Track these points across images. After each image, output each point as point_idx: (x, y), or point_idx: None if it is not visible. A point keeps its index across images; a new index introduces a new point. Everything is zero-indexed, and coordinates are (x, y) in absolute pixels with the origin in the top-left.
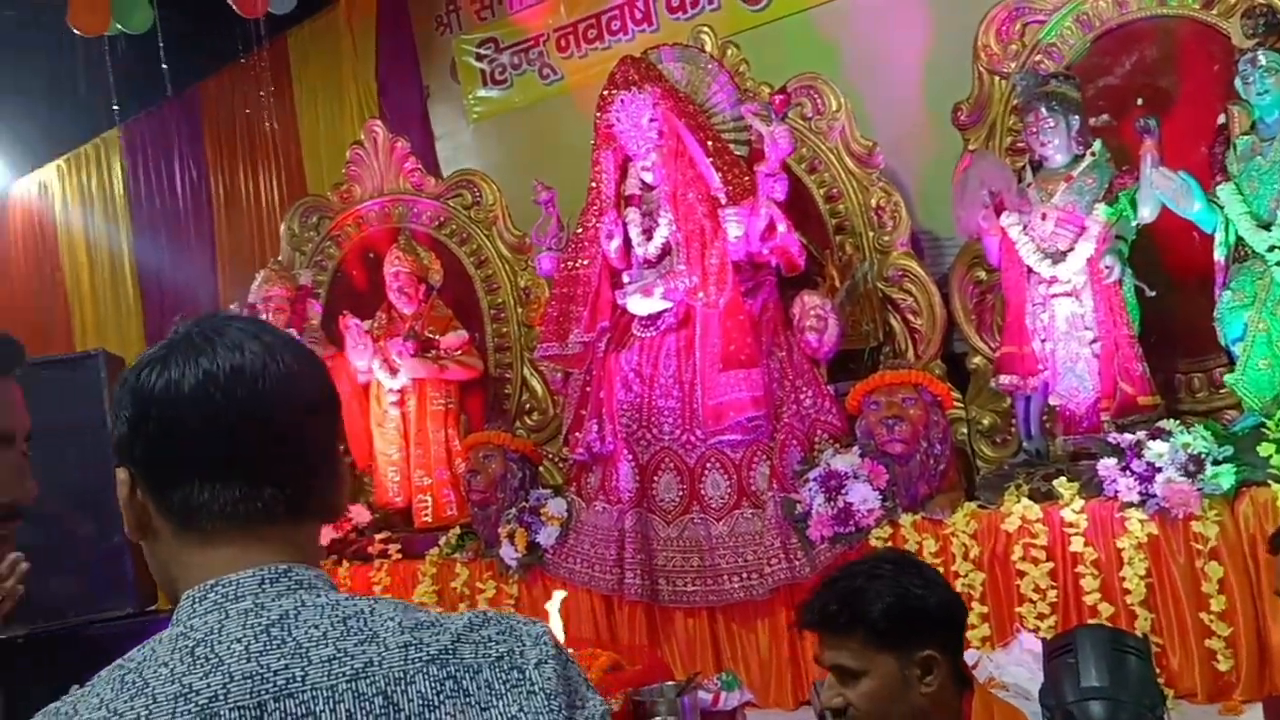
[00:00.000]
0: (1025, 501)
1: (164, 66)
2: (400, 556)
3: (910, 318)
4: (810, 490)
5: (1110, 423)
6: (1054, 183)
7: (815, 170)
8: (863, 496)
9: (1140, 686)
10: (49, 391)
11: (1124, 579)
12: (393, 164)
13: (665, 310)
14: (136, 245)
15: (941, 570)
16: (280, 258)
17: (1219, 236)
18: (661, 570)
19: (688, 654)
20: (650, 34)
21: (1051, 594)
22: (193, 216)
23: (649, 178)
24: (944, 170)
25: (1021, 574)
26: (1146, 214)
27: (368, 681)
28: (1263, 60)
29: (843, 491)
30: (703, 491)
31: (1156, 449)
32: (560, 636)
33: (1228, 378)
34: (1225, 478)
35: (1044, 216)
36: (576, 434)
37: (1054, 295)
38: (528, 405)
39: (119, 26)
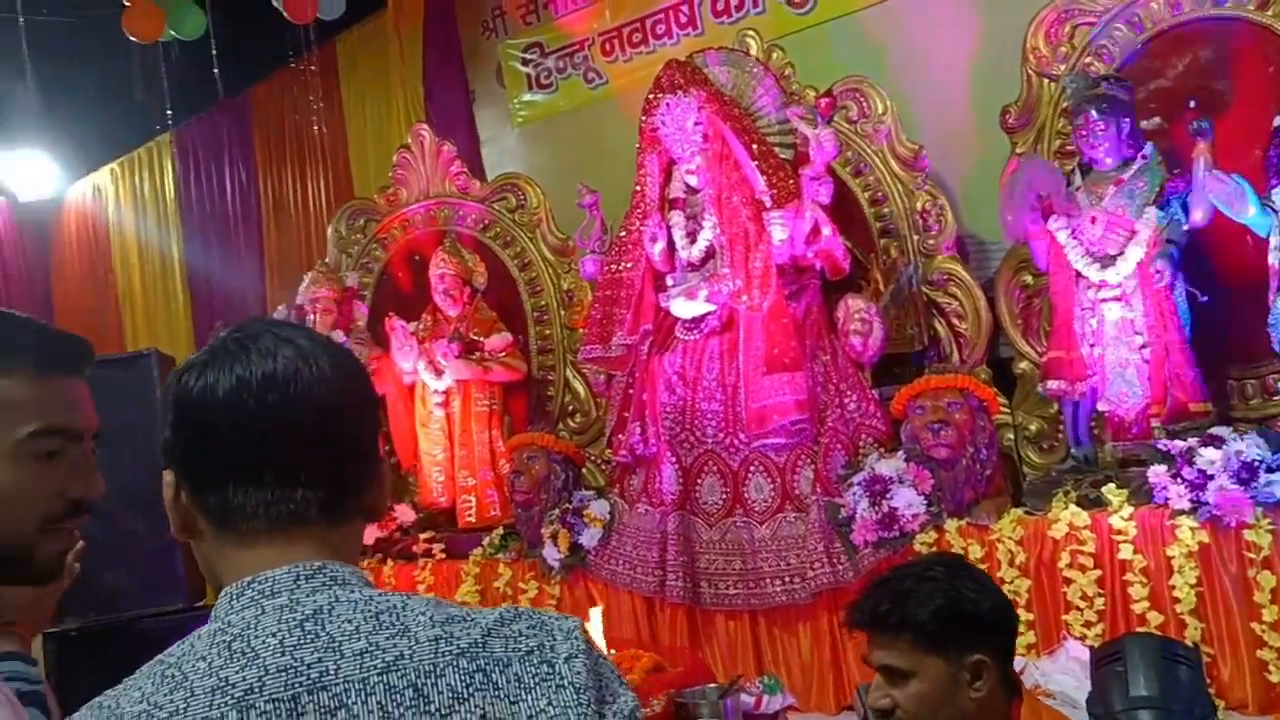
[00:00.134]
0: (1073, 508)
1: (215, 72)
2: (444, 556)
3: (955, 322)
4: (854, 494)
5: (1161, 429)
6: (1104, 186)
7: (860, 173)
8: (907, 501)
9: (1191, 696)
10: (103, 390)
11: (1174, 587)
12: (439, 167)
13: (709, 313)
14: (186, 247)
15: None
16: (327, 260)
17: (1273, 241)
18: (703, 573)
19: (729, 657)
20: (695, 38)
21: (1099, 602)
22: (242, 219)
23: (693, 181)
24: (990, 173)
25: (1068, 581)
26: (1199, 218)
27: (398, 674)
28: None
29: (887, 496)
30: (746, 495)
31: (1208, 456)
32: (600, 644)
33: None
34: (1279, 486)
35: (1093, 220)
36: (619, 436)
37: (1103, 300)
38: (570, 407)
39: (172, 33)
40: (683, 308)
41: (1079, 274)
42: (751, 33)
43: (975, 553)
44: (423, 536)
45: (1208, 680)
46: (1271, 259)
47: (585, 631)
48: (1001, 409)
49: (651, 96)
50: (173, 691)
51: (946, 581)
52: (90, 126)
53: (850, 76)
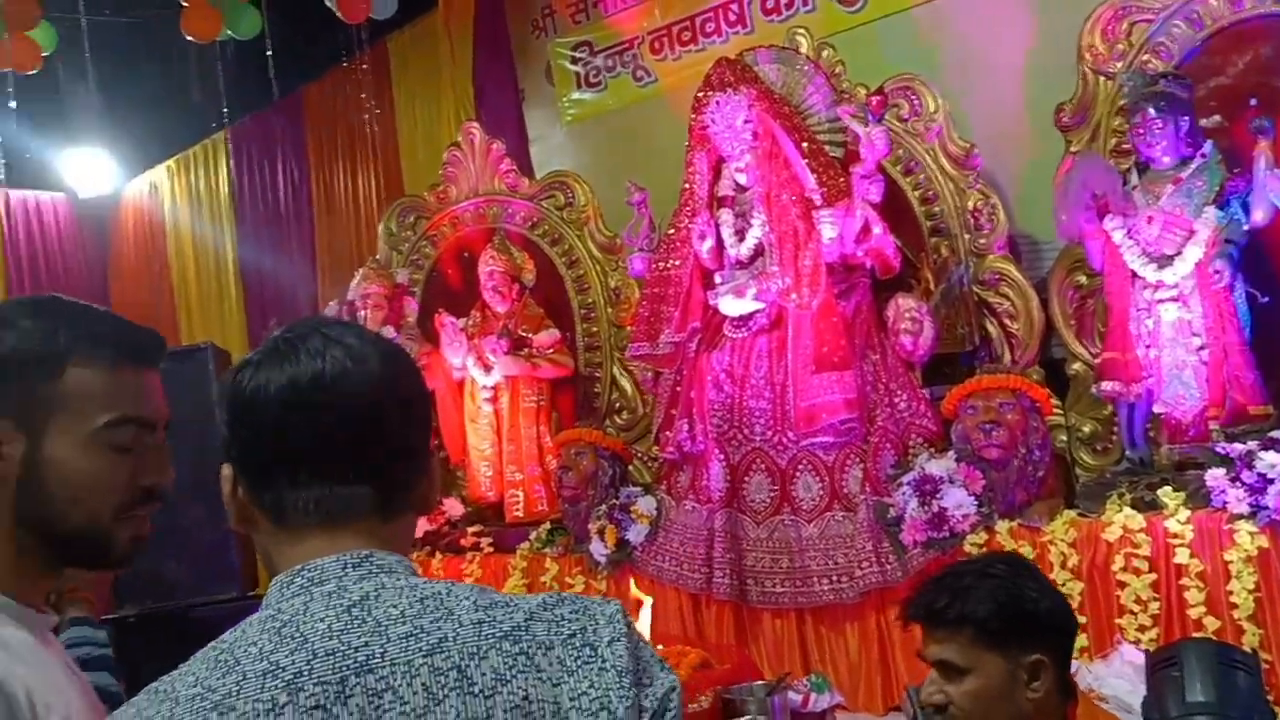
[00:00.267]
0: (1128, 511)
1: (271, 72)
2: (492, 550)
3: (1007, 322)
4: (903, 494)
5: (1219, 432)
6: (1161, 185)
7: (911, 172)
8: (957, 501)
9: (1249, 703)
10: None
11: (1231, 593)
12: (488, 165)
13: (757, 311)
14: (240, 243)
15: None
16: (378, 256)
17: None
18: (750, 570)
19: (775, 655)
20: (744, 36)
21: (1153, 606)
22: (294, 216)
23: (742, 179)
24: (1043, 172)
25: (1122, 585)
26: (1259, 217)
27: (443, 656)
28: None
29: (937, 496)
30: (794, 493)
31: (1269, 459)
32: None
33: None
34: None
35: (1150, 220)
36: (667, 433)
37: (1160, 300)
38: (617, 404)
39: (229, 33)
40: (731, 305)
41: (1135, 274)
42: (802, 31)
43: (1027, 554)
44: (471, 530)
45: (1266, 687)
46: None
47: (627, 616)
48: (1054, 410)
49: (701, 94)
50: (225, 675)
51: (1008, 579)
52: (148, 125)
53: (902, 74)
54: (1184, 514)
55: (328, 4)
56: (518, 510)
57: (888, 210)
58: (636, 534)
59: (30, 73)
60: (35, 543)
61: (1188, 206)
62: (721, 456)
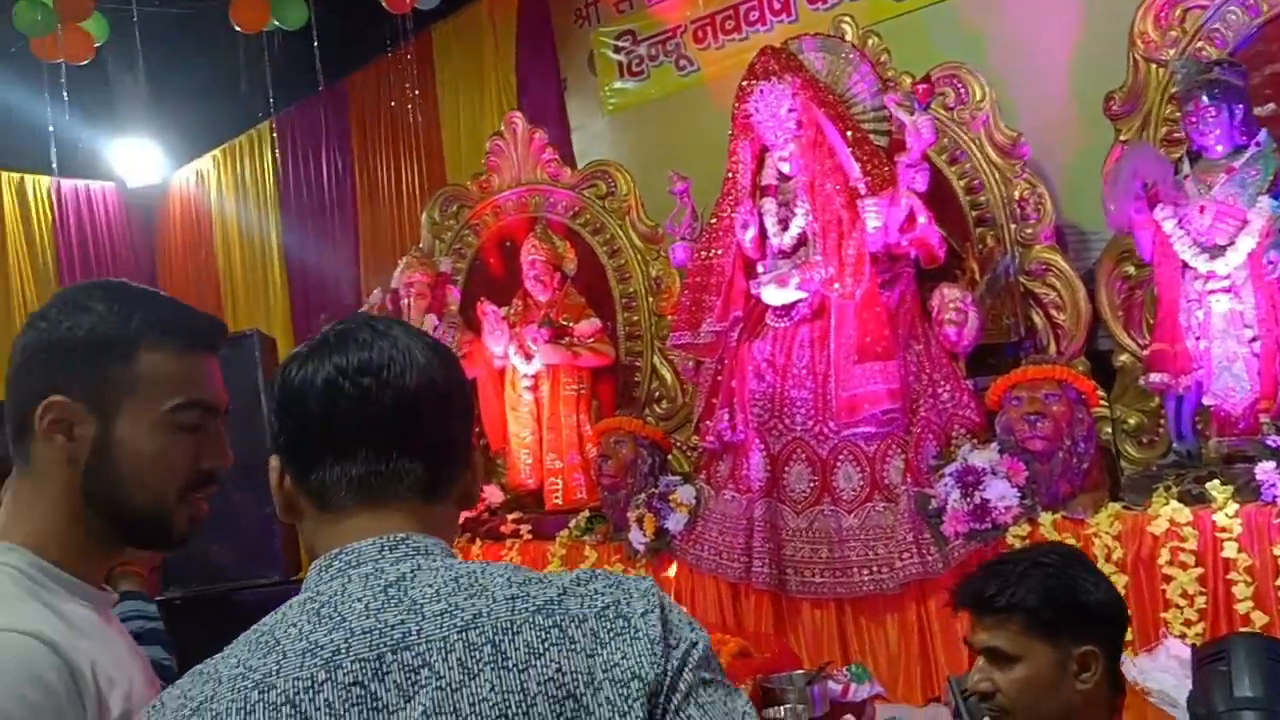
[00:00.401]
0: (1174, 504)
1: (317, 62)
2: (531, 537)
3: (1053, 313)
4: (945, 485)
5: (1269, 425)
6: (1214, 174)
7: (956, 161)
8: (1000, 493)
9: None
10: None
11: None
12: (530, 155)
13: (799, 301)
14: (285, 232)
15: None
16: (421, 245)
17: None
18: (790, 560)
19: (814, 645)
20: (789, 25)
21: (1200, 600)
22: (338, 204)
23: (786, 168)
24: (1091, 162)
25: (1168, 579)
26: None
27: (477, 631)
28: None
29: (979, 487)
30: (834, 483)
31: None
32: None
33: None
34: None
35: (1202, 210)
36: (707, 422)
37: (1210, 291)
38: (657, 393)
39: (276, 23)
40: (774, 295)
41: (1186, 265)
42: (847, 19)
43: None
44: (510, 517)
45: None
46: None
47: (660, 590)
48: (1100, 402)
49: (745, 83)
50: (265, 655)
51: (1061, 569)
52: (195, 115)
53: (948, 63)
54: (1232, 507)
55: None
56: (557, 498)
57: (932, 200)
58: (675, 523)
59: (81, 64)
60: (101, 523)
61: (1241, 196)
62: (762, 446)
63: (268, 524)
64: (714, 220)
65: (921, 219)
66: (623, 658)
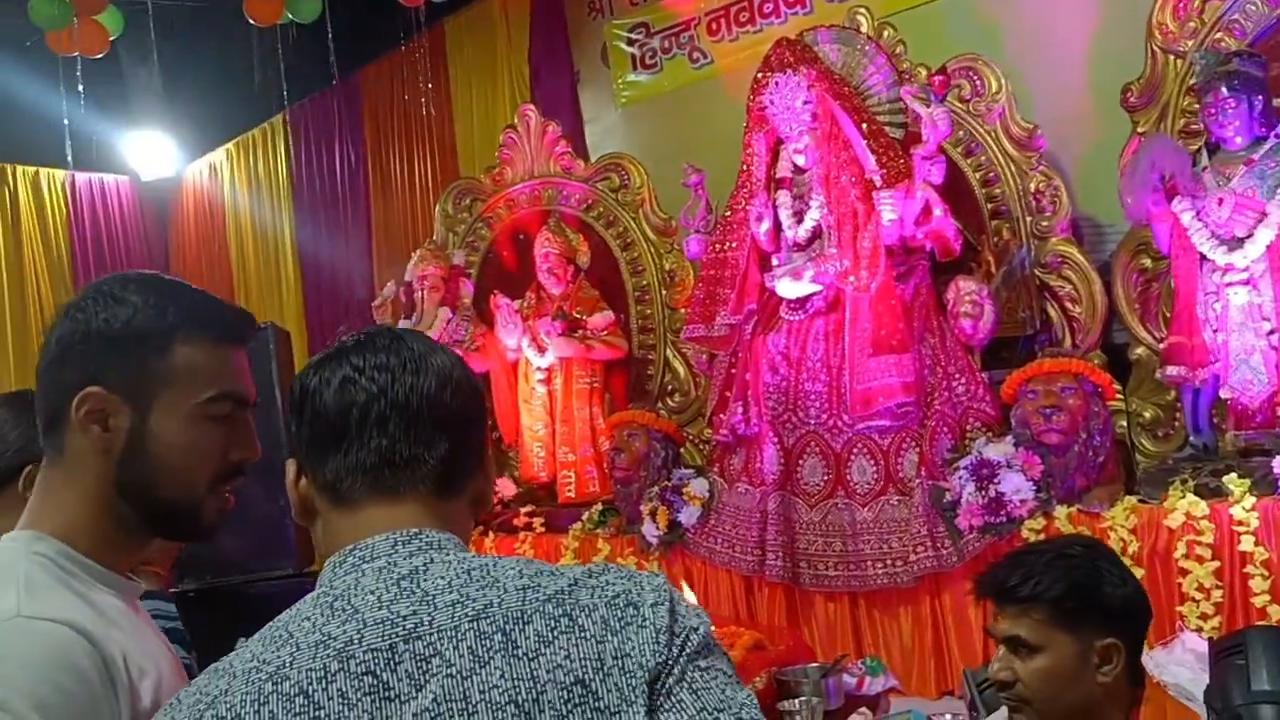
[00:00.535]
0: (1191, 497)
1: (331, 55)
2: (544, 530)
3: (1069, 305)
4: (960, 478)
5: None
6: (1232, 166)
7: (972, 153)
8: (1015, 486)
9: None
10: None
11: None
12: (543, 148)
13: (814, 293)
14: (297, 225)
15: None
16: (434, 238)
17: None
18: (803, 553)
19: (827, 638)
20: (802, 17)
21: (1216, 594)
22: (350, 198)
23: (801, 160)
24: (1107, 154)
25: (1184, 572)
26: None
27: (488, 621)
28: None
29: (994, 481)
30: (849, 477)
31: None
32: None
33: None
34: None
35: (1220, 202)
36: (721, 415)
37: (1228, 284)
38: (670, 386)
39: (290, 16)
40: (788, 288)
41: (1203, 257)
42: (863, 10)
43: None
44: (523, 510)
45: None
46: None
47: (671, 586)
48: (1116, 395)
49: (760, 75)
50: (280, 648)
51: (1086, 560)
52: (208, 108)
53: (964, 54)
54: (1249, 501)
55: None
56: (570, 491)
57: (948, 192)
58: (689, 516)
59: (96, 57)
60: (132, 513)
61: (1260, 188)
62: (776, 439)
63: (280, 517)
64: (728, 213)
65: (937, 211)
66: (632, 647)
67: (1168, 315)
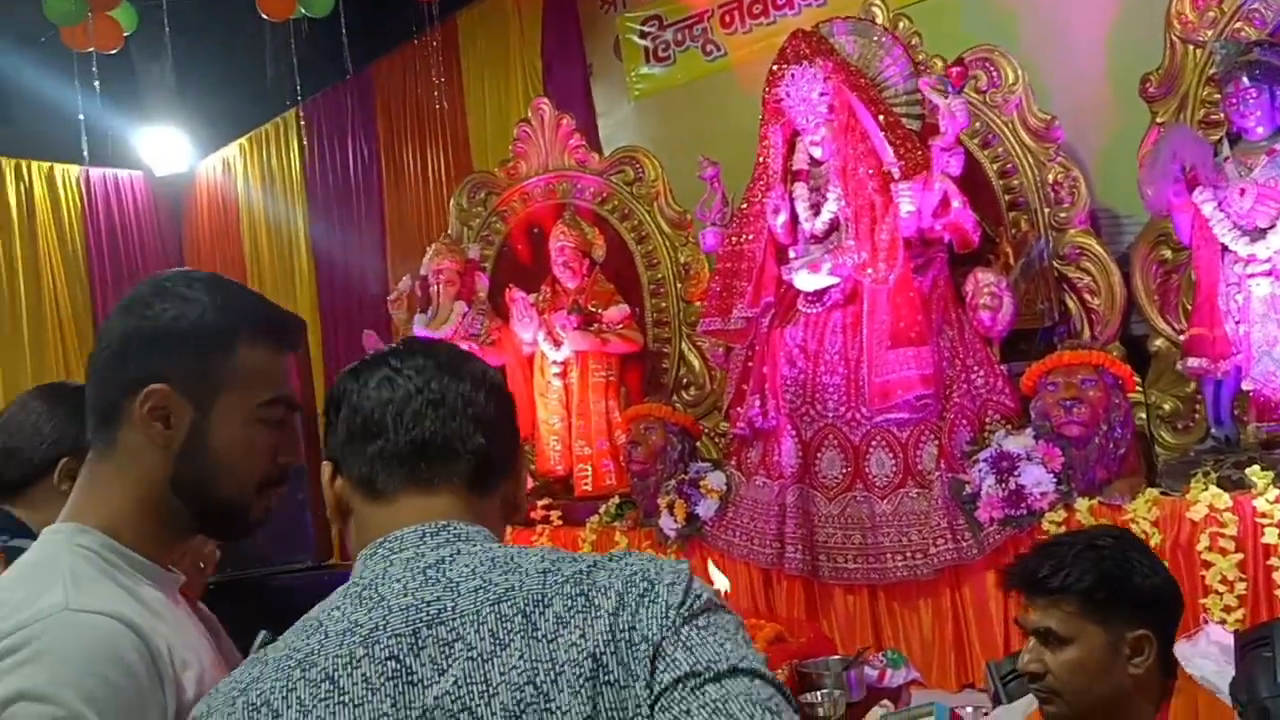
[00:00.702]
0: (1213, 489)
1: (344, 49)
2: (561, 523)
3: (1088, 297)
4: (980, 471)
5: None
6: (1254, 156)
7: (989, 145)
8: (1035, 479)
9: None
10: None
11: None
12: (557, 141)
13: (832, 286)
14: (311, 220)
15: None
16: (449, 232)
17: None
18: (822, 546)
19: (847, 631)
20: (816, 9)
21: (1240, 586)
22: (364, 192)
23: (817, 152)
24: (1126, 145)
25: (1207, 564)
26: None
27: (509, 604)
28: None
29: (1014, 473)
30: (867, 469)
31: None
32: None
33: None
34: None
35: (1242, 192)
36: (738, 409)
37: (1250, 275)
38: (685, 380)
39: (302, 10)
40: (805, 280)
41: (1225, 248)
42: (878, 2)
43: None
44: (540, 503)
45: None
46: None
47: (691, 572)
48: (1136, 387)
49: (776, 67)
50: (309, 637)
51: (1116, 551)
52: (222, 103)
53: (981, 45)
54: (1273, 493)
55: None
56: (586, 484)
57: (965, 184)
58: (706, 509)
59: (110, 53)
60: (183, 509)
61: None
62: (794, 432)
63: (299, 510)
64: (745, 205)
65: (956, 203)
66: (640, 621)
67: (1187, 307)
